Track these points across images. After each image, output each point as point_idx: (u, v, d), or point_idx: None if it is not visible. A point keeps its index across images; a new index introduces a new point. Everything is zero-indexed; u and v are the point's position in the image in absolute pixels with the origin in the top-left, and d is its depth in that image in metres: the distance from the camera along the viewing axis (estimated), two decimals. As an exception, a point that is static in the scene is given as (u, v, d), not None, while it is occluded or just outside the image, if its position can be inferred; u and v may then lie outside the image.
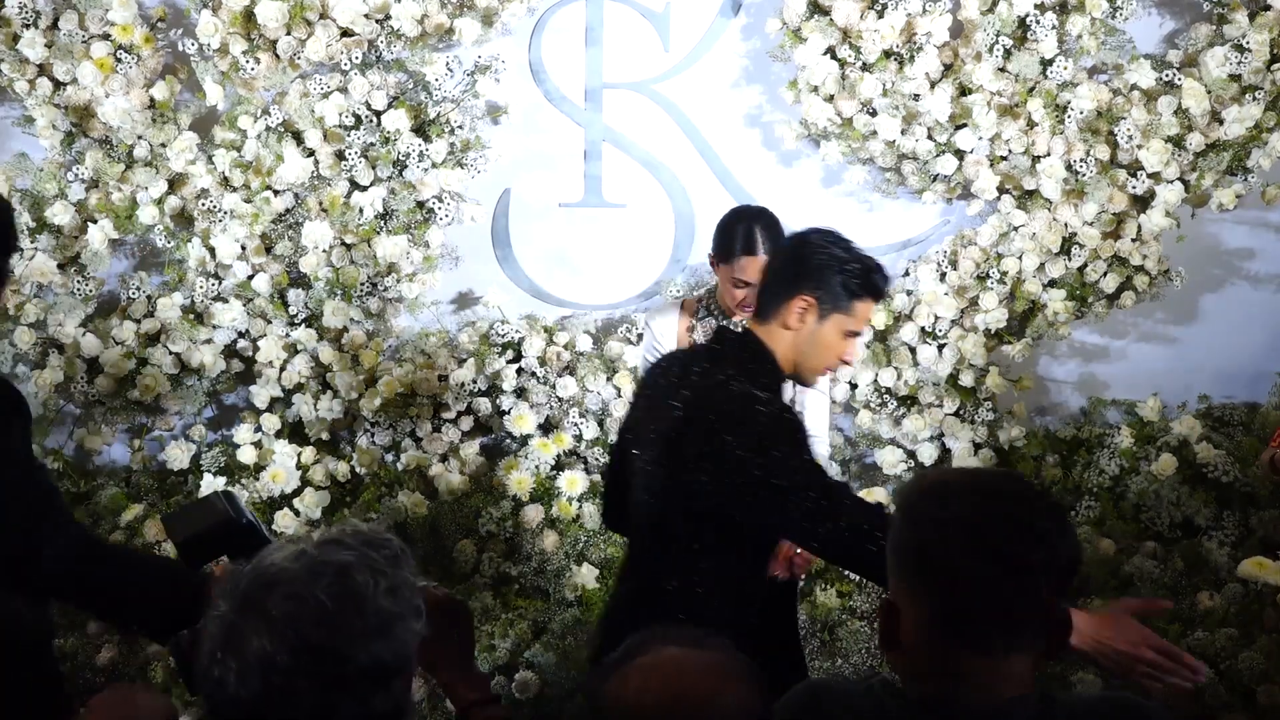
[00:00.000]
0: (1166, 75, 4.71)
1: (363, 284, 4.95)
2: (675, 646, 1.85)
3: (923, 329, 4.90)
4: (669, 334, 3.85)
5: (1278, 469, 3.95)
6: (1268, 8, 4.59)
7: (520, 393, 5.00)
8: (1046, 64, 4.69)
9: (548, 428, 5.03)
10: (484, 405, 5.01)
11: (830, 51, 4.77)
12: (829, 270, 2.74)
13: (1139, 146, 4.69)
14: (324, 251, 4.90)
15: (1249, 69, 4.61)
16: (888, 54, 4.73)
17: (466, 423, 5.04)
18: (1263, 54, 4.59)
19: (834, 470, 4.99)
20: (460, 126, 4.88)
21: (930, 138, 4.80)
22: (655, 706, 1.80)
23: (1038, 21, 4.63)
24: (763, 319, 2.81)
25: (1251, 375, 5.01)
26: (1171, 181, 4.72)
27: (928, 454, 4.92)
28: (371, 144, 4.83)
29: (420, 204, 4.93)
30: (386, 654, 1.71)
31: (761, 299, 2.83)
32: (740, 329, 2.91)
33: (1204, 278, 5.05)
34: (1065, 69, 4.67)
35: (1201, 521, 4.67)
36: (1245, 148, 4.70)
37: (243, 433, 4.98)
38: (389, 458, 5.05)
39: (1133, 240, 4.79)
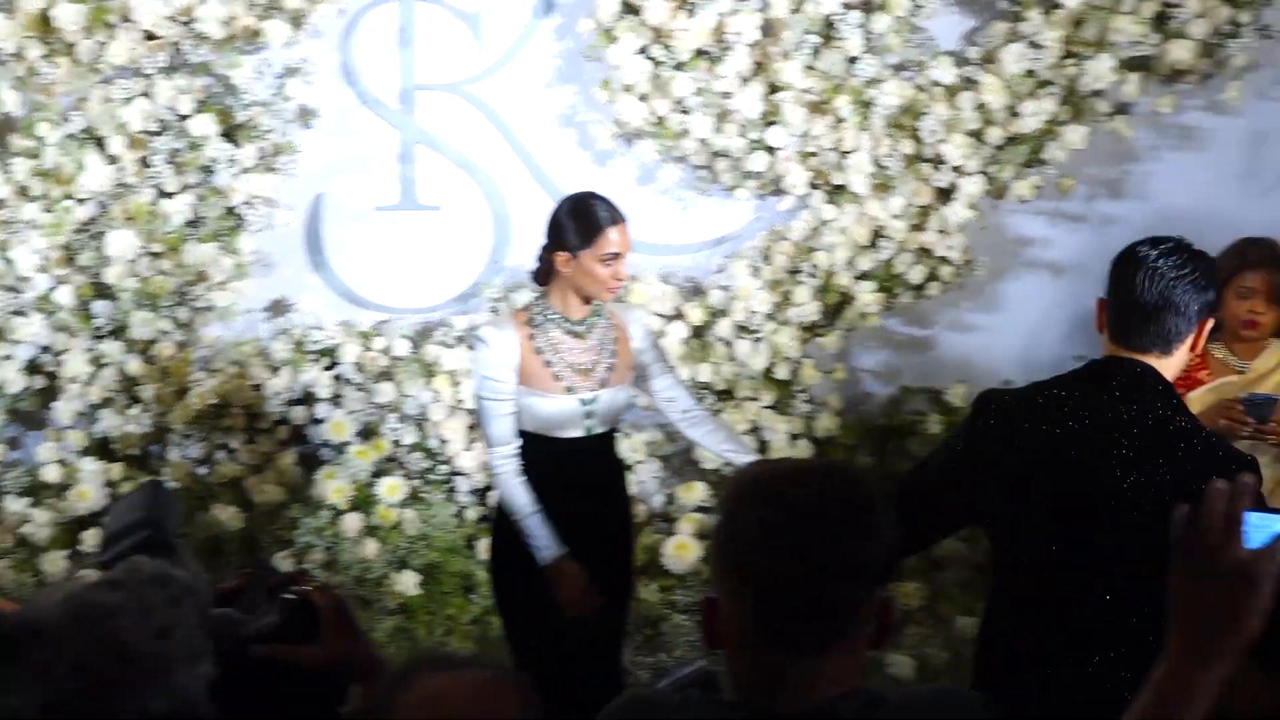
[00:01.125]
0: (967, 71, 4.87)
1: (171, 294, 4.87)
2: (439, 673, 1.74)
3: (738, 324, 4.99)
4: (510, 349, 3.64)
5: None
6: (1059, 6, 4.78)
7: (336, 400, 4.97)
8: (852, 62, 4.82)
9: (366, 434, 5.00)
10: (299, 414, 4.97)
11: (643, 51, 4.84)
12: None
13: (942, 141, 4.84)
14: (130, 261, 4.82)
15: (1043, 65, 4.79)
16: (699, 53, 4.82)
17: (282, 432, 5.00)
18: (1056, 50, 4.77)
19: (654, 466, 5.05)
20: (270, 130, 4.85)
21: (742, 135, 4.89)
22: None
23: (844, 20, 4.76)
24: (1162, 349, 2.73)
25: (1053, 360, 5.15)
26: (973, 174, 4.88)
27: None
28: (178, 149, 4.77)
29: (230, 210, 4.88)
30: (159, 704, 1.62)
31: (1158, 331, 2.73)
32: (1129, 361, 2.74)
33: (1006, 267, 5.23)
34: (871, 66, 4.81)
35: (1007, 503, 4.82)
36: (1042, 141, 4.88)
37: (46, 451, 4.87)
38: (202, 470, 4.98)
39: (938, 232, 4.94)
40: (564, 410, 3.69)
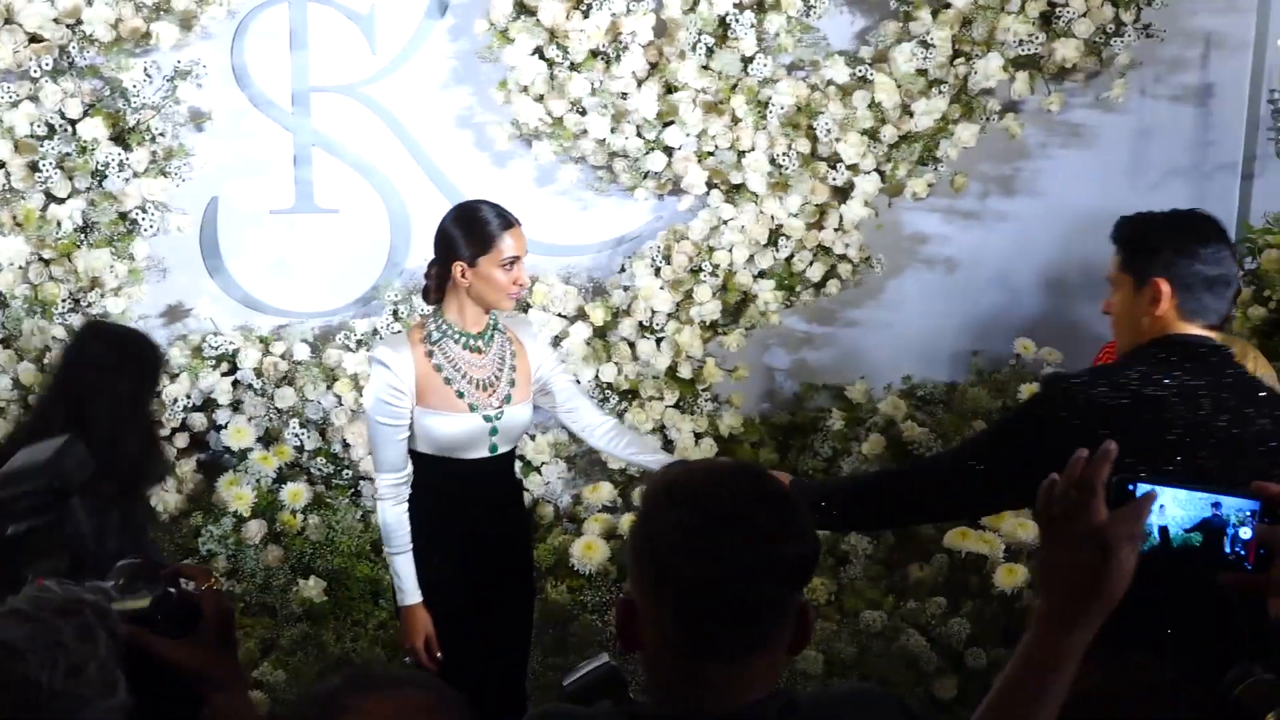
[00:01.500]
0: (859, 71, 4.95)
1: (64, 301, 4.79)
2: (374, 694, 1.62)
3: (641, 323, 5.03)
4: (406, 370, 3.53)
5: None
6: (949, 5, 4.88)
7: (237, 406, 4.93)
8: (747, 62, 4.87)
9: (267, 440, 4.97)
10: (199, 420, 4.92)
11: (538, 51, 4.85)
12: None
13: (837, 139, 4.91)
14: (20, 268, 4.73)
15: (934, 64, 4.89)
16: (594, 54, 4.85)
17: (181, 439, 4.94)
18: (945, 49, 4.87)
19: (560, 467, 5.09)
20: (162, 134, 4.78)
21: (639, 135, 4.93)
22: None
23: (737, 20, 4.81)
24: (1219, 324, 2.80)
25: (950, 355, 5.32)
26: (868, 172, 4.96)
27: (651, 446, 5.05)
28: (67, 154, 4.69)
29: (123, 215, 4.80)
30: None
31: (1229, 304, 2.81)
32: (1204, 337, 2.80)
33: (903, 264, 5.34)
34: (765, 66, 4.87)
35: (909, 497, 4.92)
36: (934, 139, 4.98)
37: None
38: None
39: (835, 230, 5.02)
40: (467, 430, 3.60)
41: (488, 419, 3.62)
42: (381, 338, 4.96)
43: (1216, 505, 1.70)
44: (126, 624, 1.68)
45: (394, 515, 3.61)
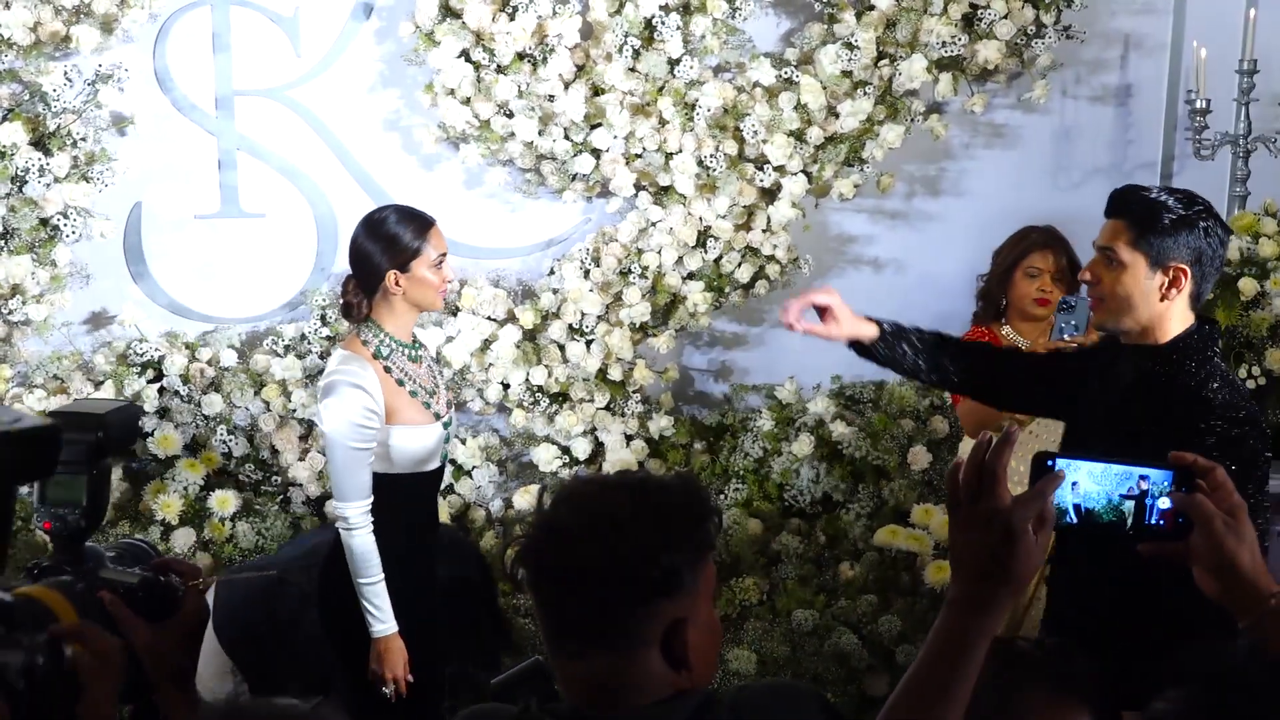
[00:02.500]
0: (785, 73, 5.01)
1: (-16, 309, 4.76)
2: None
3: (570, 326, 5.06)
4: (376, 389, 3.47)
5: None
6: (872, 7, 4.95)
7: (163, 413, 4.90)
8: (674, 64, 4.91)
9: (194, 447, 4.94)
10: (124, 428, 4.88)
11: (464, 54, 4.87)
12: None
13: (764, 141, 4.97)
14: (-62, 276, 4.69)
15: (859, 65, 4.95)
16: (521, 56, 4.87)
17: (107, 448, 4.90)
18: (870, 51, 4.94)
19: (491, 471, 5.11)
20: (84, 139, 4.75)
21: (567, 138, 4.95)
22: None
23: (663, 23, 4.85)
24: None
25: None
26: (795, 174, 5.02)
27: (582, 449, 5.08)
28: (-14, 159, 4.66)
29: (44, 221, 4.76)
30: None
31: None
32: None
33: (831, 264, 5.40)
34: (692, 68, 4.91)
35: (839, 496, 5.00)
36: (860, 140, 5.05)
37: None
38: (24, 491, 4.85)
39: (763, 231, 5.07)
40: (435, 440, 3.60)
41: (446, 425, 3.65)
42: (310, 345, 4.96)
43: (1133, 478, 1.75)
44: (109, 594, 1.76)
45: (364, 544, 3.49)
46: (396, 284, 3.53)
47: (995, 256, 4.55)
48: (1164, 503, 1.75)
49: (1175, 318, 2.94)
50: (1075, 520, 1.76)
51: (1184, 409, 2.87)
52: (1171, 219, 2.88)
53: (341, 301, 3.66)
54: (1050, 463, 1.74)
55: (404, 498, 3.59)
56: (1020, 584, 1.65)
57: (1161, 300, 2.91)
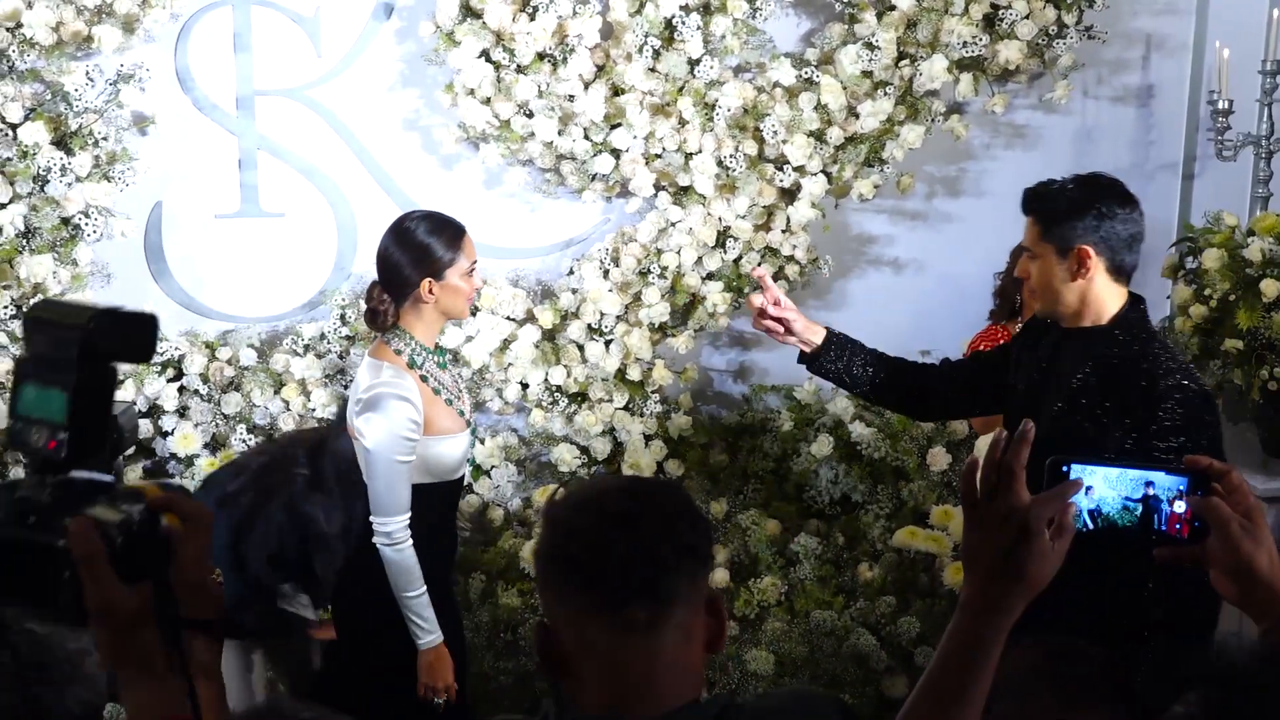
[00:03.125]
0: (805, 73, 5.03)
1: (6, 308, 4.79)
2: None
3: (589, 326, 5.08)
4: (417, 395, 3.47)
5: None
6: (893, 7, 4.97)
7: (183, 412, 4.94)
8: (694, 64, 4.93)
9: (214, 447, 4.98)
10: (145, 427, 4.93)
11: (484, 54, 4.89)
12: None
13: (784, 141, 4.98)
14: (-40, 275, 4.73)
15: (879, 65, 4.96)
16: (541, 56, 4.89)
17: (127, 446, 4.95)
18: (890, 51, 4.95)
19: (510, 470, 5.13)
20: (105, 138, 4.78)
21: (587, 138, 4.98)
22: None
23: (683, 23, 4.87)
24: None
25: (897, 355, 5.38)
26: (815, 174, 5.03)
27: (600, 449, 5.11)
28: (8, 159, 4.69)
29: (66, 220, 4.80)
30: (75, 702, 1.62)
31: None
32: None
33: (850, 265, 5.42)
34: (712, 68, 4.93)
35: (858, 497, 5.01)
36: (880, 140, 5.06)
37: (-123, 474, 4.76)
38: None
39: (783, 231, 5.09)
40: (465, 447, 3.61)
41: (473, 433, 3.68)
42: (330, 344, 4.99)
43: (1148, 483, 1.75)
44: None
45: (412, 556, 3.48)
46: (430, 292, 3.53)
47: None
48: (1179, 506, 1.75)
49: (1103, 297, 3.13)
50: (1090, 526, 1.76)
51: (1134, 383, 3.03)
52: (1064, 207, 3.11)
53: (367, 308, 3.65)
54: (1065, 468, 1.74)
55: (433, 507, 3.59)
56: (1034, 586, 1.65)
57: (1074, 281, 3.10)
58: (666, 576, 1.72)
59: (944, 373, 3.75)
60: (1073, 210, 3.11)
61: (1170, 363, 3.05)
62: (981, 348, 4.45)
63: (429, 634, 3.52)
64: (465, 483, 3.76)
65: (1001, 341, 4.35)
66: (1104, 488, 1.76)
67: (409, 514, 3.49)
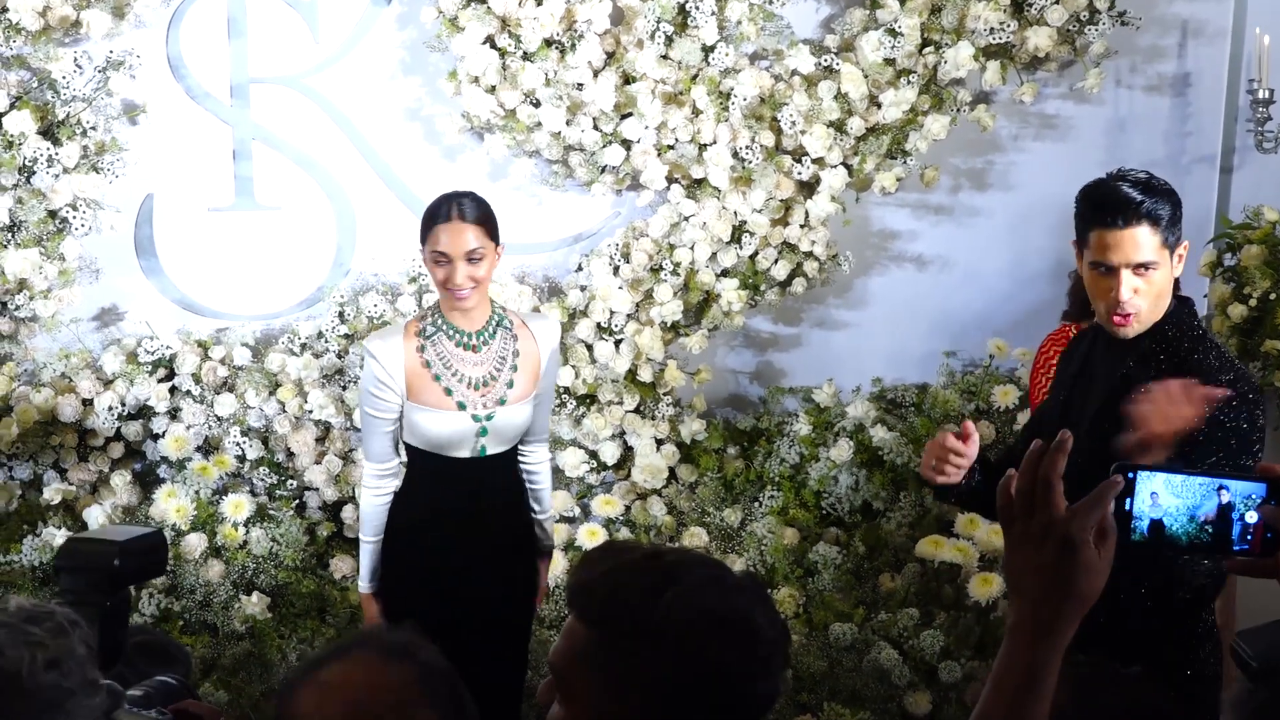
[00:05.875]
0: (825, 60, 4.98)
1: (-10, 304, 4.78)
2: (370, 654, 1.79)
3: (599, 325, 5.05)
4: (394, 362, 3.60)
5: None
6: (917, -9, 4.93)
7: (174, 413, 4.91)
8: (708, 51, 4.89)
9: (207, 449, 4.96)
10: (135, 429, 4.91)
11: (489, 41, 4.86)
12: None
13: (802, 132, 4.94)
14: (-57, 270, 4.71)
15: (902, 53, 4.92)
16: (548, 42, 4.86)
17: (116, 449, 4.93)
18: (914, 38, 4.91)
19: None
20: (94, 128, 4.77)
21: (596, 128, 4.94)
22: None
23: (697, 7, 4.83)
24: None
25: (920, 355, 5.36)
26: (835, 166, 4.99)
27: (610, 453, 5.07)
28: (-8, 149, 4.68)
29: (52, 213, 4.79)
30: None
31: None
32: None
33: (871, 261, 5.38)
34: (727, 55, 4.89)
35: (879, 505, 4.97)
36: (903, 131, 5.02)
37: None
38: (31, 492, 4.89)
39: (801, 226, 5.05)
40: (455, 429, 3.63)
41: (476, 419, 3.65)
42: (328, 343, 4.97)
43: (1220, 489, 1.68)
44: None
45: (370, 505, 3.77)
46: (424, 265, 3.72)
47: None
48: (1251, 516, 1.68)
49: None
50: (1148, 536, 1.69)
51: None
52: (1171, 206, 2.91)
53: None
54: (1130, 475, 1.68)
55: (430, 474, 3.73)
56: (1086, 601, 1.59)
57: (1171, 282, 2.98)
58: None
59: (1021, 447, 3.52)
60: (1177, 207, 2.92)
61: (1221, 361, 2.95)
62: (1051, 351, 4.33)
63: (363, 580, 3.81)
64: (485, 474, 3.73)
65: None
66: (1169, 496, 1.68)
67: (382, 466, 3.75)
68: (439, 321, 3.66)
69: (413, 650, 1.79)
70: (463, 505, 3.73)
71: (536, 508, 3.92)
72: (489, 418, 3.66)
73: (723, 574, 1.82)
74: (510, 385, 3.69)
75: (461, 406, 3.63)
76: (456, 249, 3.54)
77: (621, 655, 1.73)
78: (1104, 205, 2.91)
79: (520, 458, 3.87)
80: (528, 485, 3.91)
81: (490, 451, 3.69)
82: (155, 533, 2.08)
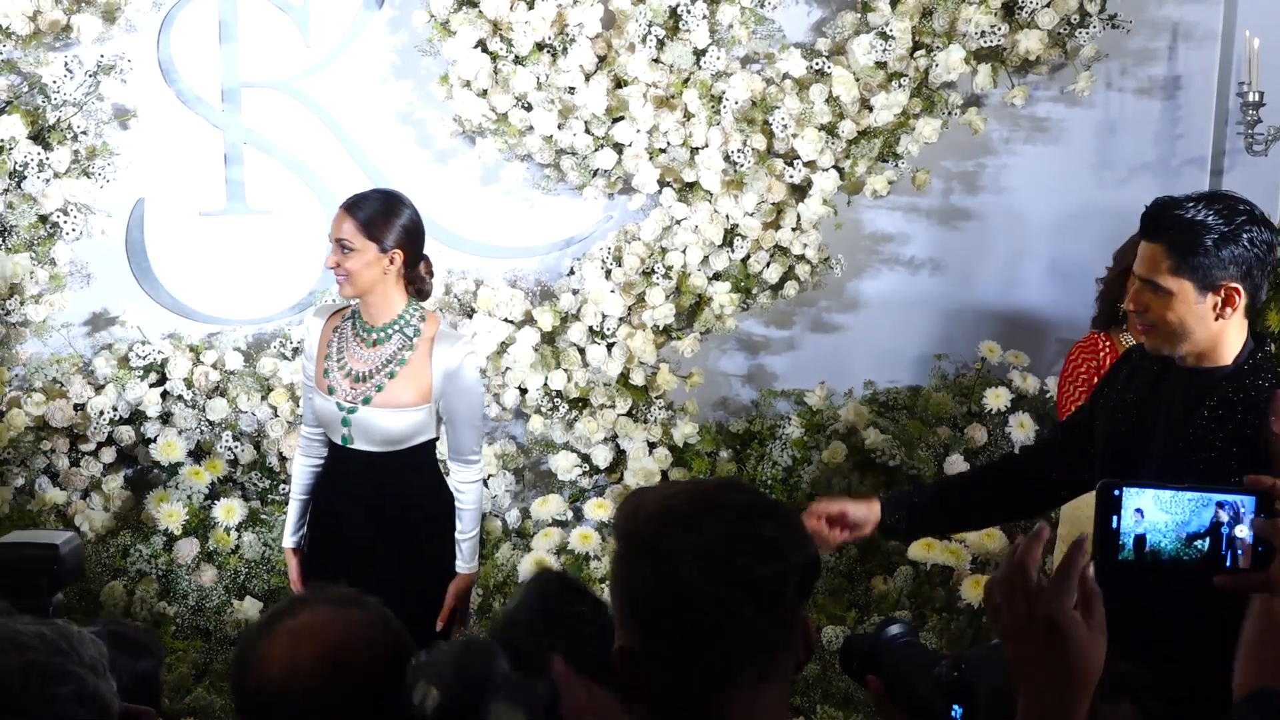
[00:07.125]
0: (816, 64, 5.03)
1: (-19, 309, 4.81)
2: (323, 605, 1.96)
3: (591, 328, 5.08)
4: (313, 332, 3.95)
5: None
6: (907, -6, 4.98)
7: (166, 418, 4.94)
8: (700, 54, 4.93)
9: (199, 454, 4.99)
10: (127, 434, 4.94)
11: (481, 44, 4.90)
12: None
13: (794, 135, 4.98)
14: (-67, 275, 4.74)
15: (893, 56, 4.97)
16: (540, 46, 4.89)
17: (108, 454, 4.96)
18: (905, 41, 4.95)
19: (508, 479, 5.14)
20: (85, 132, 4.80)
21: (588, 131, 4.98)
22: (307, 675, 1.85)
23: (689, 11, 4.87)
24: None
25: (913, 358, 5.41)
26: (827, 169, 5.03)
27: (602, 457, 5.11)
28: (-18, 154, 4.71)
29: (43, 218, 4.81)
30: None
31: None
32: None
33: (863, 264, 5.42)
34: (718, 59, 4.93)
35: (872, 507, 5.01)
36: (895, 134, 5.07)
37: None
38: (30, 498, 4.91)
39: (793, 229, 5.09)
40: (324, 412, 3.89)
41: (340, 408, 3.84)
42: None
43: (1208, 505, 1.68)
44: None
45: (298, 464, 4.09)
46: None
47: (1116, 257, 4.34)
48: (1241, 530, 1.67)
49: (1232, 336, 2.87)
50: (1134, 553, 1.68)
51: (1261, 428, 2.75)
52: (1213, 239, 2.78)
53: None
54: (1116, 491, 1.68)
55: (328, 449, 4.00)
56: (1087, 678, 1.56)
57: (1217, 320, 2.83)
58: (778, 627, 1.70)
59: (1047, 453, 3.39)
60: (1222, 243, 2.77)
61: None
62: (1081, 359, 4.34)
63: (286, 534, 4.10)
64: (357, 466, 3.89)
65: (1103, 351, 4.27)
66: (1156, 511, 1.68)
67: (309, 430, 4.04)
68: (353, 310, 3.92)
69: (356, 599, 1.99)
70: (340, 487, 3.95)
71: (458, 525, 3.97)
72: (351, 410, 3.84)
73: (750, 510, 1.75)
74: (379, 389, 3.83)
75: (330, 391, 3.86)
76: (332, 233, 3.86)
77: (621, 562, 1.75)
78: (1146, 211, 2.90)
79: (450, 475, 4.03)
80: (455, 503, 3.98)
81: (356, 445, 3.88)
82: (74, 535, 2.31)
